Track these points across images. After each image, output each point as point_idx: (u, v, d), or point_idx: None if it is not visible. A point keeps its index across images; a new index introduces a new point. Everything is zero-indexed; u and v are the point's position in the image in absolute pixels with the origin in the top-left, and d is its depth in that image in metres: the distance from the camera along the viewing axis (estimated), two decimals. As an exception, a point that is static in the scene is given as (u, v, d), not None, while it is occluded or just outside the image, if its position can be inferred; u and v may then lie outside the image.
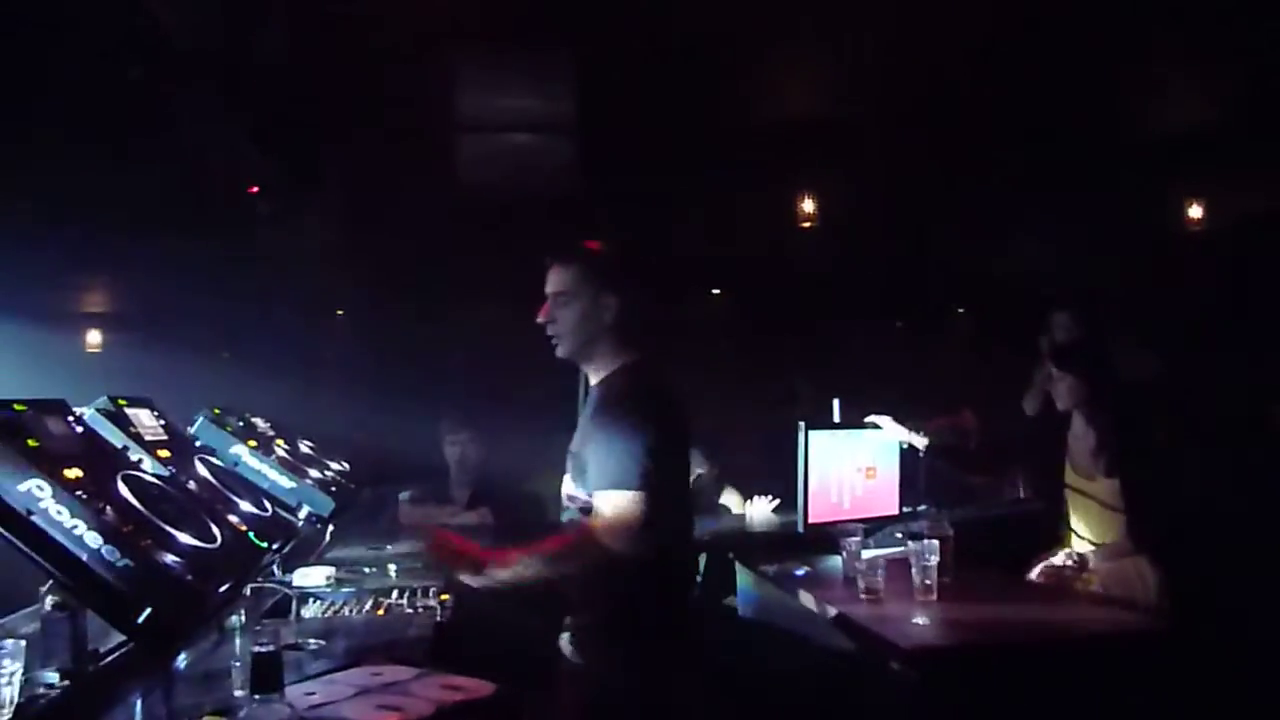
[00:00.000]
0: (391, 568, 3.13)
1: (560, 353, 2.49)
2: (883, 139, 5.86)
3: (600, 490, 2.29)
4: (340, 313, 10.04)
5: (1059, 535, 3.76)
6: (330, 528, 3.23)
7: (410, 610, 2.65)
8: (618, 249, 2.56)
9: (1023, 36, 4.94)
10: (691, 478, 2.92)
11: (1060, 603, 3.31)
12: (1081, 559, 3.59)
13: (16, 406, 1.79)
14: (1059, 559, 3.63)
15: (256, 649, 1.20)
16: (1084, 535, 3.67)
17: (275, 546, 2.37)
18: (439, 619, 2.55)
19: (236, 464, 2.91)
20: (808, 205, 6.55)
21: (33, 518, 1.64)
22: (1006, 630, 2.85)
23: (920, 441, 3.89)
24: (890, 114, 5.66)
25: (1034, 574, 3.64)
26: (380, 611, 2.67)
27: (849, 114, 5.63)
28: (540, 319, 2.48)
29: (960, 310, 9.70)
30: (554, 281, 2.48)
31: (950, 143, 6.14)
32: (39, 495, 1.65)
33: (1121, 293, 6.31)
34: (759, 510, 4.38)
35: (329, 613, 2.68)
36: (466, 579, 2.32)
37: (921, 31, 4.79)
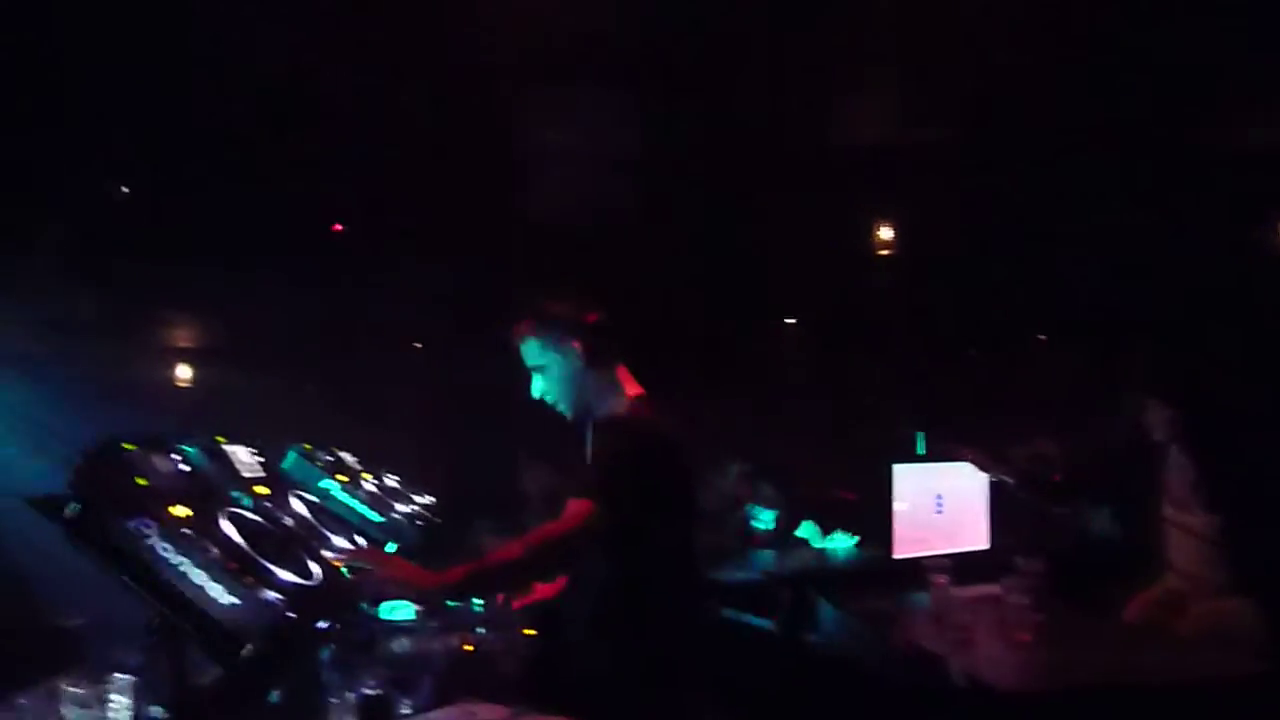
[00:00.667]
0: (476, 601, 3.14)
1: (569, 416, 2.59)
2: (961, 162, 5.78)
3: (579, 499, 2.35)
4: (418, 345, 10.22)
5: (1155, 572, 3.63)
6: (415, 561, 3.26)
7: (497, 644, 2.66)
8: (559, 299, 2.61)
9: (1108, 54, 4.84)
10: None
11: (1158, 643, 3.19)
12: (1180, 597, 3.46)
13: (126, 445, 1.85)
14: (1156, 597, 3.51)
15: (366, 692, 1.21)
16: (1182, 571, 3.54)
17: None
18: (525, 654, 2.55)
19: (327, 499, 2.96)
20: (885, 232, 6.48)
21: (142, 555, 1.68)
22: (1103, 672, 2.75)
23: (1007, 475, 3.80)
24: (969, 137, 5.59)
25: (1131, 612, 3.52)
26: (467, 646, 2.67)
27: (927, 138, 5.57)
28: (536, 394, 2.60)
29: (1041, 337, 9.50)
30: (526, 358, 2.59)
31: (1030, 163, 6.04)
32: (146, 533, 1.70)
33: (1218, 317, 6.10)
34: (839, 543, 4.32)
35: (416, 647, 2.69)
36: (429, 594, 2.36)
37: (1001, 53, 4.73)
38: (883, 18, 4.50)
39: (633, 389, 2.61)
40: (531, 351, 2.58)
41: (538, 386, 2.60)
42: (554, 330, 2.56)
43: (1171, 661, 2.93)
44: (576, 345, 2.54)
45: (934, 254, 7.08)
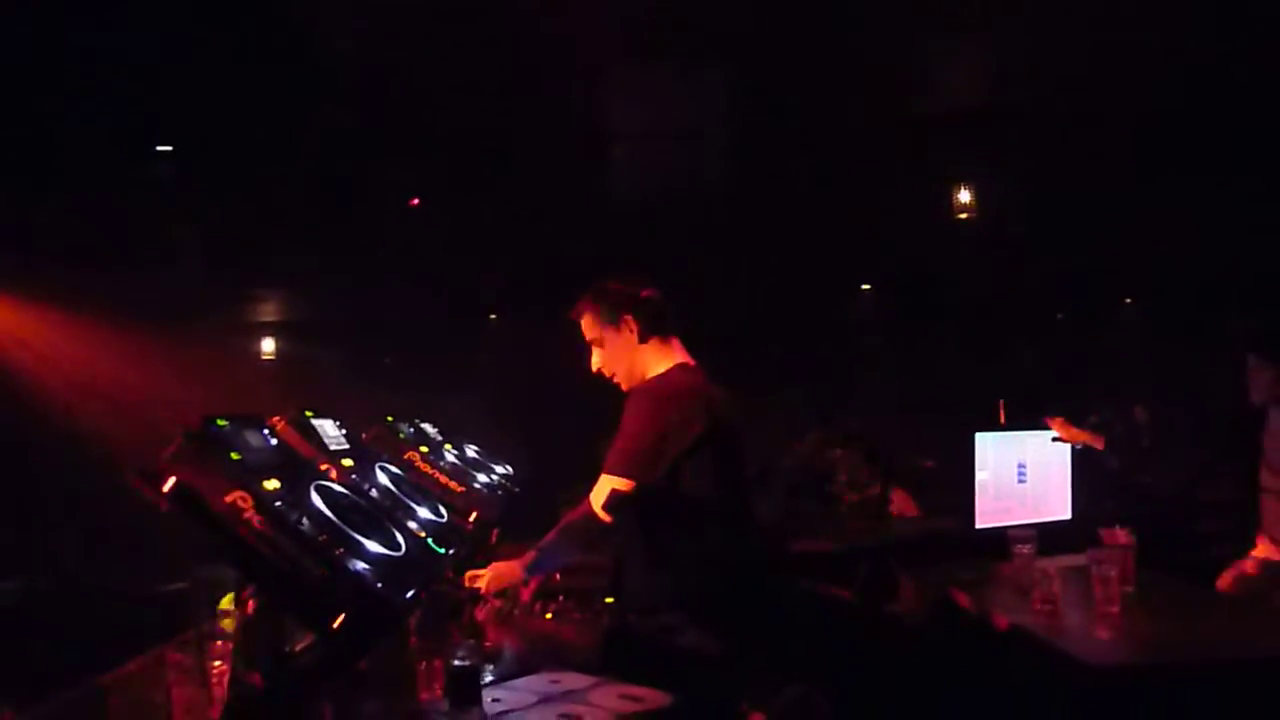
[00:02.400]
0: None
1: (624, 387, 2.68)
2: (1044, 128, 5.61)
3: (604, 474, 2.49)
4: (494, 316, 10.35)
5: (1251, 540, 3.52)
6: (497, 531, 3.32)
7: (577, 615, 2.70)
8: (614, 278, 2.74)
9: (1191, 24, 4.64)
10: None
11: (1255, 616, 3.09)
12: (1277, 566, 3.35)
13: (219, 422, 1.91)
14: (1252, 566, 3.40)
15: (456, 663, 1.24)
16: (1279, 540, 3.42)
17: (452, 552, 2.45)
18: (605, 624, 2.59)
19: (410, 469, 3.02)
20: (964, 196, 6.33)
21: (237, 527, 1.74)
22: (1197, 646, 2.67)
23: (1096, 442, 3.71)
24: (1052, 103, 5.42)
25: (1224, 583, 3.42)
26: (548, 615, 2.72)
27: (1010, 103, 5.42)
28: (595, 369, 2.73)
29: (1128, 300, 9.21)
30: (585, 332, 2.72)
31: (1116, 129, 5.84)
32: (242, 506, 1.75)
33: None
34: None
35: (499, 615, 2.74)
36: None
37: (1084, 19, 4.57)
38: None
39: (683, 360, 2.68)
40: (589, 326, 2.71)
41: (595, 360, 2.73)
42: (609, 305, 2.68)
43: (1266, 633, 2.83)
44: (629, 319, 2.64)
45: (1021, 219, 6.90)
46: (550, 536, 2.56)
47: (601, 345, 2.70)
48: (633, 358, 2.66)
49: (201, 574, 2.01)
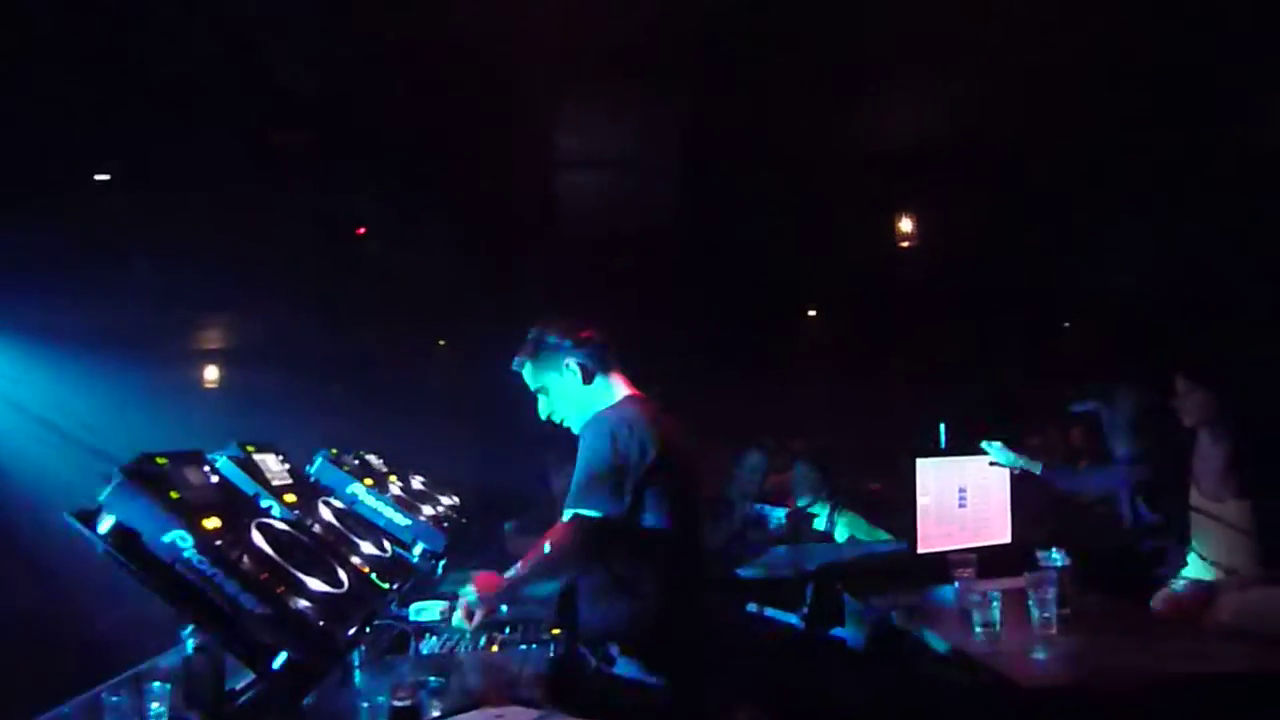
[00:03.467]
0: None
1: (576, 431, 2.69)
2: (985, 159, 5.76)
3: (567, 508, 2.52)
4: (442, 343, 10.29)
5: (1182, 561, 3.61)
6: (443, 562, 3.30)
7: (524, 646, 2.69)
8: (551, 323, 2.75)
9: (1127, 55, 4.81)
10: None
11: (1188, 636, 3.16)
12: (1208, 587, 3.44)
13: (159, 460, 1.89)
14: (1183, 587, 3.49)
15: (396, 704, 1.24)
16: (1210, 561, 3.51)
17: (396, 586, 2.44)
18: (552, 655, 2.59)
19: (354, 502, 3.00)
20: (906, 224, 6.46)
21: (176, 567, 1.73)
22: (1131, 666, 2.74)
23: (1034, 466, 3.80)
24: (992, 135, 5.57)
25: (1156, 603, 3.50)
26: (494, 647, 2.71)
27: (951, 136, 5.56)
28: (543, 416, 2.75)
29: (1066, 325, 9.44)
30: (528, 382, 2.75)
31: (1052, 159, 6.01)
32: (182, 545, 1.74)
33: (1250, 300, 6.02)
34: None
35: (444, 648, 2.73)
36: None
37: (1022, 53, 4.71)
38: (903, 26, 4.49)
39: (629, 392, 2.71)
40: (531, 376, 2.73)
41: (543, 407, 2.74)
42: (549, 353, 2.70)
43: (1198, 653, 2.91)
44: (573, 362, 2.67)
45: (957, 245, 7.06)
46: (522, 570, 2.52)
47: (546, 392, 2.72)
48: (580, 400, 2.68)
49: (138, 614, 1.98)
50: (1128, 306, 6.57)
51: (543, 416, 2.75)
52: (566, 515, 2.51)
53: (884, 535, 4.74)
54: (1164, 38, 4.65)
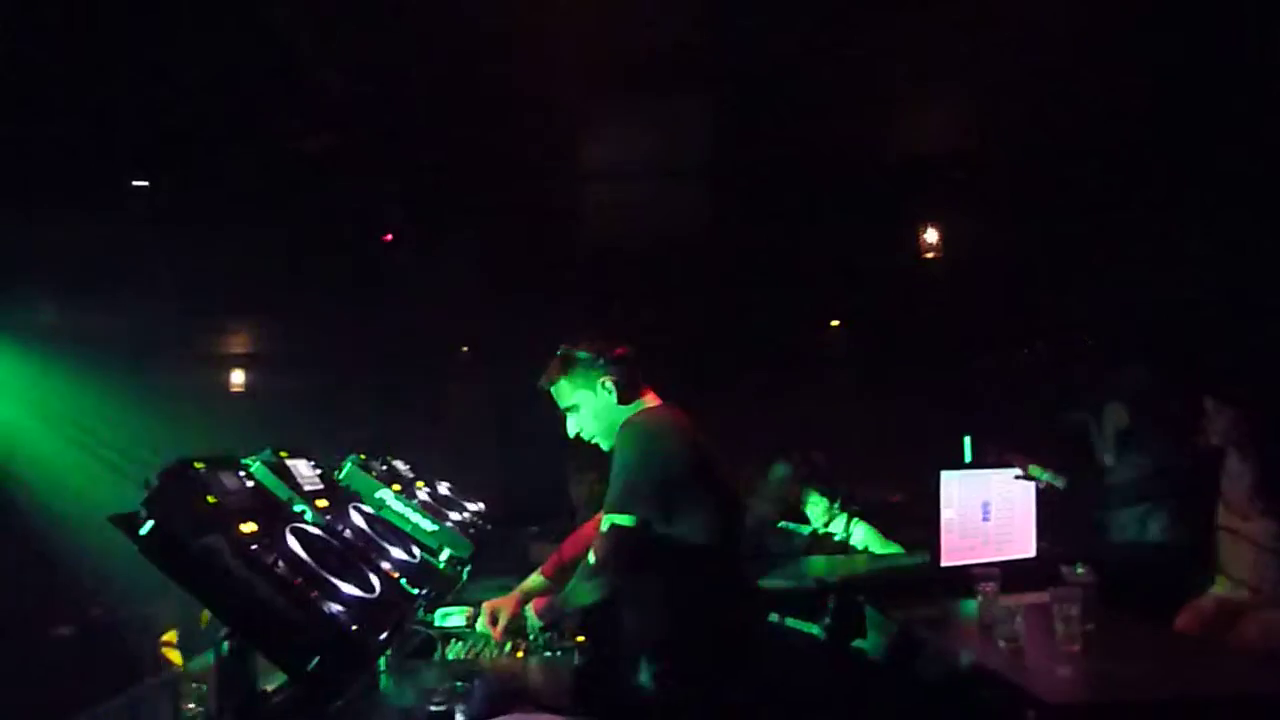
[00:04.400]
0: (527, 608, 3.20)
1: (605, 446, 2.69)
2: (1009, 170, 5.75)
3: (604, 514, 2.52)
4: (465, 349, 10.34)
5: (1208, 579, 3.59)
6: (468, 568, 3.33)
7: (549, 654, 2.71)
8: (584, 340, 2.72)
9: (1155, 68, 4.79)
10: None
11: (1214, 655, 3.15)
12: (1234, 606, 3.42)
13: (196, 464, 1.93)
14: (1209, 605, 3.48)
15: (432, 708, 1.26)
16: (1237, 579, 3.50)
17: (424, 592, 2.47)
18: (577, 661, 2.60)
19: (382, 508, 3.04)
20: (931, 236, 6.45)
21: (213, 571, 1.76)
22: (1156, 685, 2.72)
23: (1059, 481, 3.79)
24: (1017, 144, 5.56)
25: (1182, 622, 3.49)
26: (519, 654, 2.73)
27: (975, 146, 5.55)
28: (571, 434, 2.73)
29: (1089, 341, 9.36)
30: (559, 400, 2.72)
31: (1081, 172, 5.99)
32: (218, 549, 1.77)
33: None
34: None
35: (469, 654, 2.76)
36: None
37: (1049, 65, 4.71)
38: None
39: (660, 403, 2.70)
40: (563, 393, 2.70)
41: (573, 426, 2.72)
42: (582, 371, 2.67)
43: (1224, 672, 2.90)
44: (608, 381, 2.65)
45: (985, 259, 7.03)
46: (546, 580, 2.62)
47: (577, 411, 2.69)
48: (614, 418, 2.65)
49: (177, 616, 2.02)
50: (1157, 323, 6.52)
51: (570, 435, 2.73)
52: (605, 525, 2.50)
53: (897, 548, 4.73)
54: (1201, 42, 4.62)
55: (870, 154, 5.76)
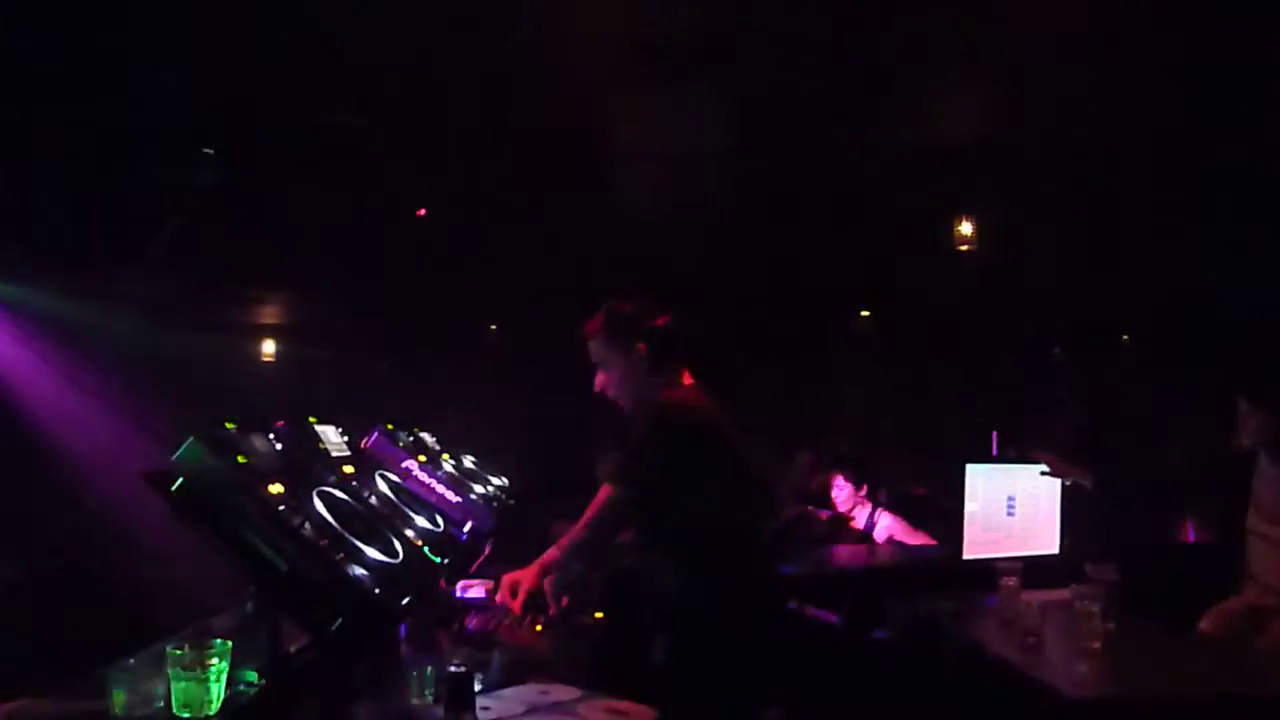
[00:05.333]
0: (546, 583, 3.22)
1: (627, 409, 2.70)
2: (1049, 163, 5.68)
3: (607, 483, 2.56)
4: (494, 327, 10.39)
5: (1235, 582, 3.55)
6: (490, 541, 3.36)
7: (566, 627, 2.73)
8: (629, 301, 2.74)
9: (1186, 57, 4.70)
10: None
11: (1237, 658, 3.12)
12: (1262, 610, 3.38)
13: (228, 424, 1.95)
14: (1236, 608, 3.44)
15: (451, 669, 1.28)
16: (1265, 583, 3.45)
17: (447, 561, 2.50)
18: (596, 638, 2.62)
19: (407, 480, 3.06)
20: (966, 228, 6.40)
21: (242, 529, 1.79)
22: (1176, 685, 2.70)
23: (1085, 479, 3.75)
24: (1058, 138, 5.48)
25: (1207, 624, 3.45)
26: (538, 628, 2.75)
27: (1015, 137, 5.48)
28: (598, 389, 2.74)
29: (1125, 336, 9.27)
30: (592, 354, 2.73)
31: (1117, 162, 5.91)
32: (248, 509, 1.80)
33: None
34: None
35: (489, 626, 2.78)
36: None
37: (1086, 55, 4.64)
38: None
39: (690, 384, 2.71)
40: (598, 348, 2.71)
41: (600, 381, 2.74)
42: (620, 330, 2.68)
43: (1246, 675, 2.87)
44: (641, 346, 2.65)
45: (1019, 254, 6.96)
46: (554, 554, 2.59)
47: (608, 368, 2.71)
48: (640, 383, 2.67)
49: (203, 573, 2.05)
50: (1192, 321, 6.44)
51: (597, 389, 2.75)
52: (606, 492, 2.54)
53: (925, 540, 4.72)
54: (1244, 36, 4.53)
55: (903, 142, 5.70)
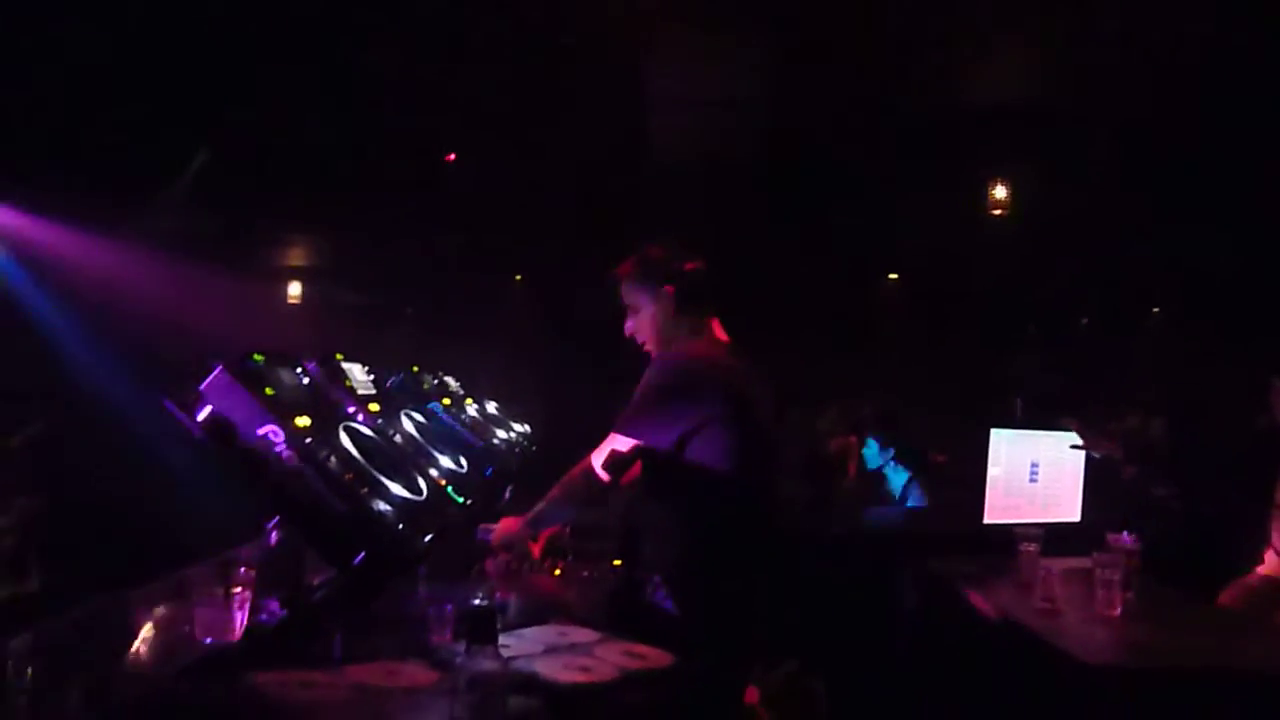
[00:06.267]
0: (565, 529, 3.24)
1: (653, 355, 2.67)
2: (1082, 129, 5.57)
3: (611, 433, 2.53)
4: (519, 277, 10.39)
5: (1258, 557, 3.53)
6: (510, 486, 3.37)
7: (585, 574, 2.75)
8: (661, 245, 2.71)
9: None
10: None
11: (1253, 630, 3.10)
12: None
13: (256, 357, 1.96)
14: (1256, 582, 3.42)
15: (475, 603, 1.29)
16: (1287, 562, 3.43)
17: (469, 502, 2.51)
18: (612, 586, 2.63)
19: (431, 421, 3.07)
20: (1000, 192, 6.30)
21: (267, 460, 1.79)
22: (1193, 654, 2.68)
23: (1117, 450, 3.72)
24: (1098, 104, 5.37)
25: (1227, 597, 3.44)
26: (556, 572, 2.77)
27: (1055, 102, 5.38)
28: (628, 333, 2.72)
29: (1155, 310, 9.16)
30: (623, 296, 2.70)
31: (1153, 133, 5.79)
32: (274, 440, 1.80)
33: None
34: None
35: (508, 569, 2.80)
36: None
37: (1126, 22, 4.52)
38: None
39: (716, 336, 2.68)
40: (628, 291, 2.69)
41: (630, 325, 2.71)
42: (650, 273, 2.65)
43: (1262, 648, 2.85)
44: (669, 290, 2.63)
45: (1056, 219, 6.86)
46: (552, 493, 2.60)
47: (637, 311, 2.68)
48: (665, 328, 2.64)
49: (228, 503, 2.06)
50: (1226, 294, 6.34)
51: (626, 334, 2.73)
52: (606, 440, 2.53)
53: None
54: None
55: (937, 103, 5.61)
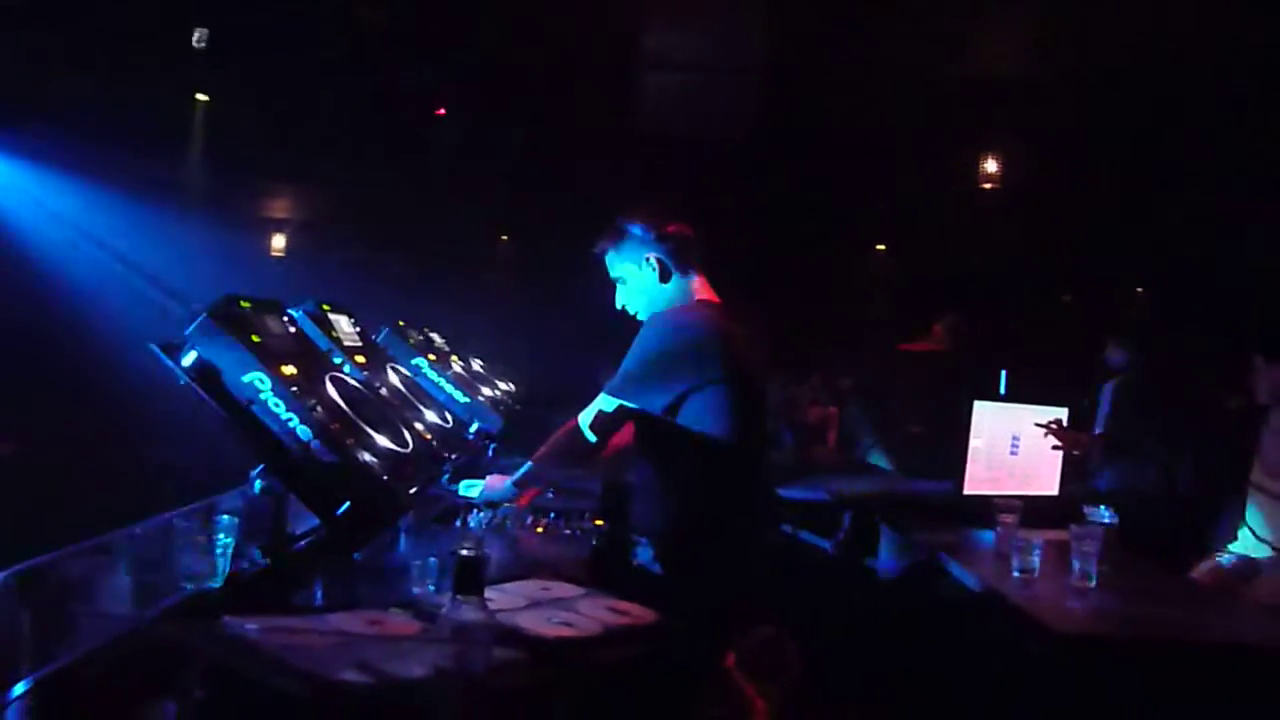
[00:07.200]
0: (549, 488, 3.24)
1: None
2: (1071, 102, 5.56)
3: (601, 394, 2.55)
4: (505, 238, 10.33)
5: (1232, 535, 3.58)
6: (494, 444, 3.37)
7: (568, 532, 2.75)
8: (640, 212, 2.68)
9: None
10: None
11: (1225, 607, 3.15)
12: (1254, 564, 3.41)
13: (242, 303, 1.94)
14: (1229, 560, 3.47)
15: (462, 553, 1.28)
16: (1262, 539, 3.48)
17: (455, 457, 2.50)
18: (595, 543, 2.64)
19: (417, 375, 3.06)
20: (991, 166, 6.29)
21: (253, 407, 1.78)
22: (1163, 627, 2.73)
23: (1094, 449, 3.77)
24: (1082, 76, 5.36)
25: (1199, 573, 3.48)
26: (539, 529, 2.78)
27: (1048, 75, 5.36)
28: (618, 305, 2.72)
29: (1139, 290, 9.21)
30: (609, 270, 2.70)
31: (1143, 109, 5.79)
32: (260, 388, 1.79)
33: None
34: None
35: (491, 525, 2.80)
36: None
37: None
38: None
39: (705, 297, 2.66)
40: (613, 263, 2.68)
41: (620, 297, 2.70)
42: (632, 242, 2.64)
43: (1232, 622, 2.90)
44: (652, 257, 2.61)
45: (1036, 192, 6.86)
46: (541, 451, 2.61)
47: (625, 283, 2.67)
48: (654, 296, 2.63)
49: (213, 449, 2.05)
50: (1210, 275, 6.38)
51: (618, 306, 2.72)
52: (595, 401, 2.54)
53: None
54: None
55: (932, 73, 5.58)
